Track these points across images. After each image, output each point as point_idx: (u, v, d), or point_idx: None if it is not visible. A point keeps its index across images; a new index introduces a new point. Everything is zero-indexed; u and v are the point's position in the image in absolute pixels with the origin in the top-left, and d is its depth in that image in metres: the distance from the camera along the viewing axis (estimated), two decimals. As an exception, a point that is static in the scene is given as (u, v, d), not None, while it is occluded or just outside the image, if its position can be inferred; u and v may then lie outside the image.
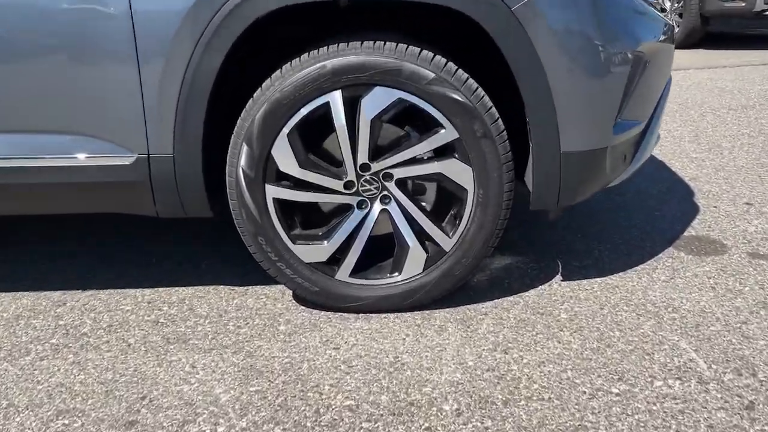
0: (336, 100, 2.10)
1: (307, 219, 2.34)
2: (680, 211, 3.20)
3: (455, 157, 2.18)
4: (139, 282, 2.62)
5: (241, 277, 2.64)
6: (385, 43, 2.07)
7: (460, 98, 2.09)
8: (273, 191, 2.20)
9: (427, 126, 2.19)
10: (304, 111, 2.11)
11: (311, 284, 2.29)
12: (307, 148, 2.20)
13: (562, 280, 2.56)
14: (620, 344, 2.11)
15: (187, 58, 2.05)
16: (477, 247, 2.25)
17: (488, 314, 2.32)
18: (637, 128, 2.42)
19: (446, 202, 2.32)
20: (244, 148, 2.14)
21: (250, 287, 2.55)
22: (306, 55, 2.09)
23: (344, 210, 2.28)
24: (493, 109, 2.13)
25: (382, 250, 2.36)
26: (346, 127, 2.13)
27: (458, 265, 2.27)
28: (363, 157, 2.18)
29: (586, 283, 2.53)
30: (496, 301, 2.41)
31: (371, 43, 2.07)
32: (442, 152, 2.20)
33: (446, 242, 2.26)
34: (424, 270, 2.29)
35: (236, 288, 2.55)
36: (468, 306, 2.37)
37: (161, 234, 3.07)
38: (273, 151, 2.15)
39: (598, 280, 2.55)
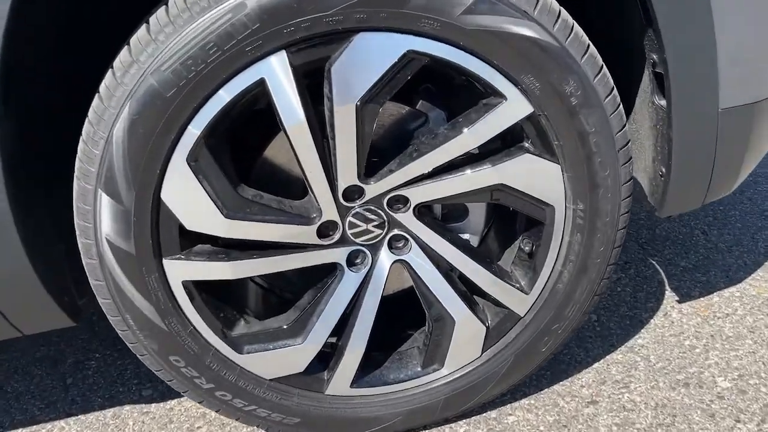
0: (276, 72, 0.99)
1: (262, 300, 1.28)
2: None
3: (528, 152, 1.12)
4: None
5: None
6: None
7: (538, 36, 1.01)
8: (180, 270, 1.11)
9: (467, 100, 1.11)
10: (213, 105, 1.00)
11: (286, 414, 1.25)
12: (235, 173, 1.11)
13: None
14: None
15: None
16: (577, 300, 1.24)
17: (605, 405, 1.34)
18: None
19: (508, 232, 1.28)
20: (103, 199, 1.03)
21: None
22: (196, -16, 0.95)
23: (325, 274, 1.22)
24: (597, 54, 1.07)
25: (400, 317, 1.33)
26: (307, 124, 1.03)
27: (545, 335, 1.26)
28: (348, 174, 1.10)
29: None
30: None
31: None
32: (497, 148, 1.14)
33: (520, 301, 1.24)
34: (483, 352, 1.28)
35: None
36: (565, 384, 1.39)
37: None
38: (164, 195, 1.04)
39: None
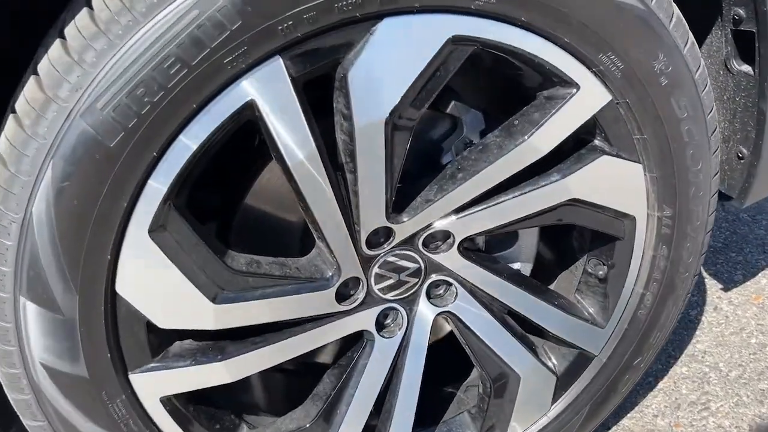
0: (269, 89, 0.67)
1: (268, 392, 0.96)
2: None
3: (604, 152, 0.85)
4: None
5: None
6: None
7: (619, -3, 0.74)
8: (155, 384, 0.79)
9: (510, 94, 0.83)
10: (180, 149, 0.67)
11: None
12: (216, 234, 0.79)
13: None
14: None
15: None
16: (662, 326, 0.99)
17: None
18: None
19: (566, 251, 1.02)
20: (28, 309, 0.69)
21: None
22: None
23: (346, 349, 0.92)
24: (683, 18, 0.81)
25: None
26: (319, 156, 0.72)
27: (625, 372, 1.01)
28: (372, 215, 0.80)
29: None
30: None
31: None
32: (563, 152, 0.86)
33: (594, 337, 0.98)
34: (553, 406, 1.02)
35: None
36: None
37: None
38: (120, 287, 0.71)
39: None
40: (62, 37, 0.63)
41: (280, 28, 0.64)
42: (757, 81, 0.91)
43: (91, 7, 0.62)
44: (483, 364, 0.96)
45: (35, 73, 0.64)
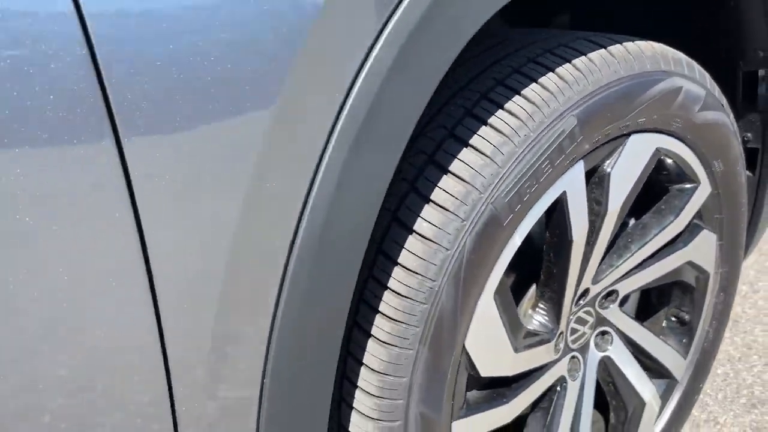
0: (575, 183, 0.94)
1: None
2: None
3: (702, 228, 1.22)
4: None
5: None
6: (636, 44, 0.97)
7: (730, 123, 1.14)
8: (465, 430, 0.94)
9: (660, 189, 1.18)
10: (524, 225, 0.89)
11: None
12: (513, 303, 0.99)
13: None
14: None
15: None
16: (715, 354, 1.37)
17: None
18: None
19: (649, 302, 1.35)
20: (423, 353, 0.83)
21: None
22: (524, 101, 0.85)
23: (546, 392, 1.14)
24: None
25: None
26: (587, 232, 0.99)
27: (694, 393, 1.36)
28: (587, 278, 1.07)
29: None
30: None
31: (606, 49, 0.95)
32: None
33: (680, 367, 1.32)
34: (656, 424, 1.32)
35: None
36: None
37: None
38: (468, 342, 0.88)
39: None
40: (469, 145, 0.83)
41: (595, 139, 0.92)
42: (756, 181, 1.38)
43: (491, 125, 0.84)
44: (624, 395, 1.24)
45: (451, 174, 0.82)
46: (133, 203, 0.59)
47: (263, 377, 0.71)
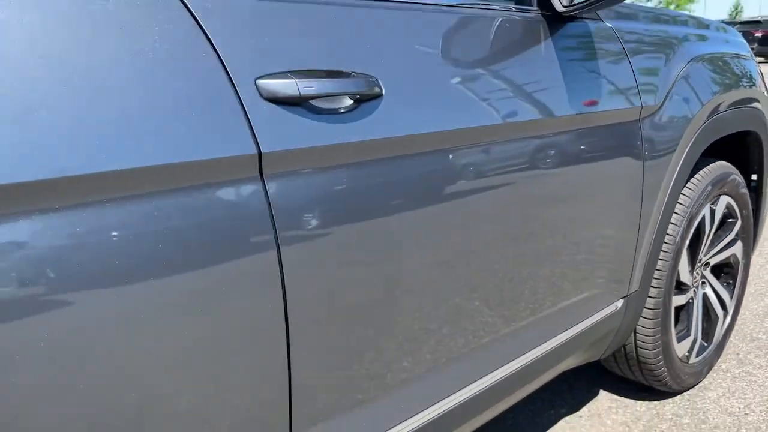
0: (708, 212, 2.51)
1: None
2: None
3: (739, 239, 2.82)
4: None
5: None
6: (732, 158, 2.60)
7: (746, 192, 2.76)
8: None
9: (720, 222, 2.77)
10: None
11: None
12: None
13: None
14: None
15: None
16: (741, 301, 2.94)
17: (741, 349, 3.03)
18: None
19: (723, 269, 2.92)
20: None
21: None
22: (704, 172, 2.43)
23: (685, 304, 2.65)
24: (747, 193, 2.89)
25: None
26: (707, 234, 2.56)
27: (734, 318, 2.92)
28: (701, 255, 2.63)
29: None
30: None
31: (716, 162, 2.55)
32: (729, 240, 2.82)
33: (729, 303, 2.87)
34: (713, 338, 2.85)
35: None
36: (722, 350, 3.02)
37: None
38: (681, 265, 2.42)
39: None
40: None
41: (714, 196, 2.51)
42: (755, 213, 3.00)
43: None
44: (710, 311, 2.76)
45: None
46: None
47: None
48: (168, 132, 0.99)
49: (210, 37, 1.07)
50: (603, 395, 2.68)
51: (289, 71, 1.16)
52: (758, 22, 29.84)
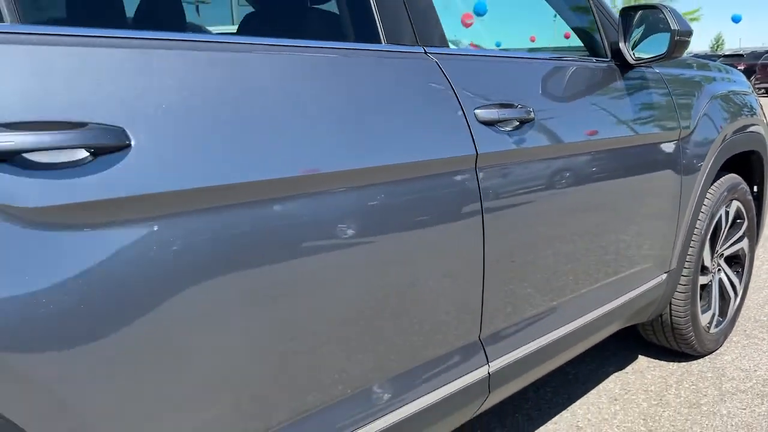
0: (723, 212, 3.24)
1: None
2: None
3: (746, 236, 3.55)
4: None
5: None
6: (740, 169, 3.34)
7: (751, 199, 3.50)
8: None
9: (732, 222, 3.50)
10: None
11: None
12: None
13: None
14: None
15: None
16: (747, 287, 3.66)
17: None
18: None
19: (733, 259, 3.63)
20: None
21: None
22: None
23: (705, 285, 3.37)
24: (752, 202, 3.62)
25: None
26: (723, 230, 3.29)
27: (742, 300, 3.63)
28: (718, 246, 3.35)
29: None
30: (732, 320, 3.84)
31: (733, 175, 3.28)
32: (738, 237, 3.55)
33: (738, 288, 3.59)
34: (727, 315, 3.56)
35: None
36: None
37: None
38: (704, 253, 3.13)
39: None
40: None
41: (728, 201, 3.24)
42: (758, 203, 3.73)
43: (708, 194, 3.15)
44: (724, 293, 3.47)
45: None
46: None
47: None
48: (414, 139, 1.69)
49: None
50: (641, 359, 3.38)
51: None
52: (740, 55, 31.10)
